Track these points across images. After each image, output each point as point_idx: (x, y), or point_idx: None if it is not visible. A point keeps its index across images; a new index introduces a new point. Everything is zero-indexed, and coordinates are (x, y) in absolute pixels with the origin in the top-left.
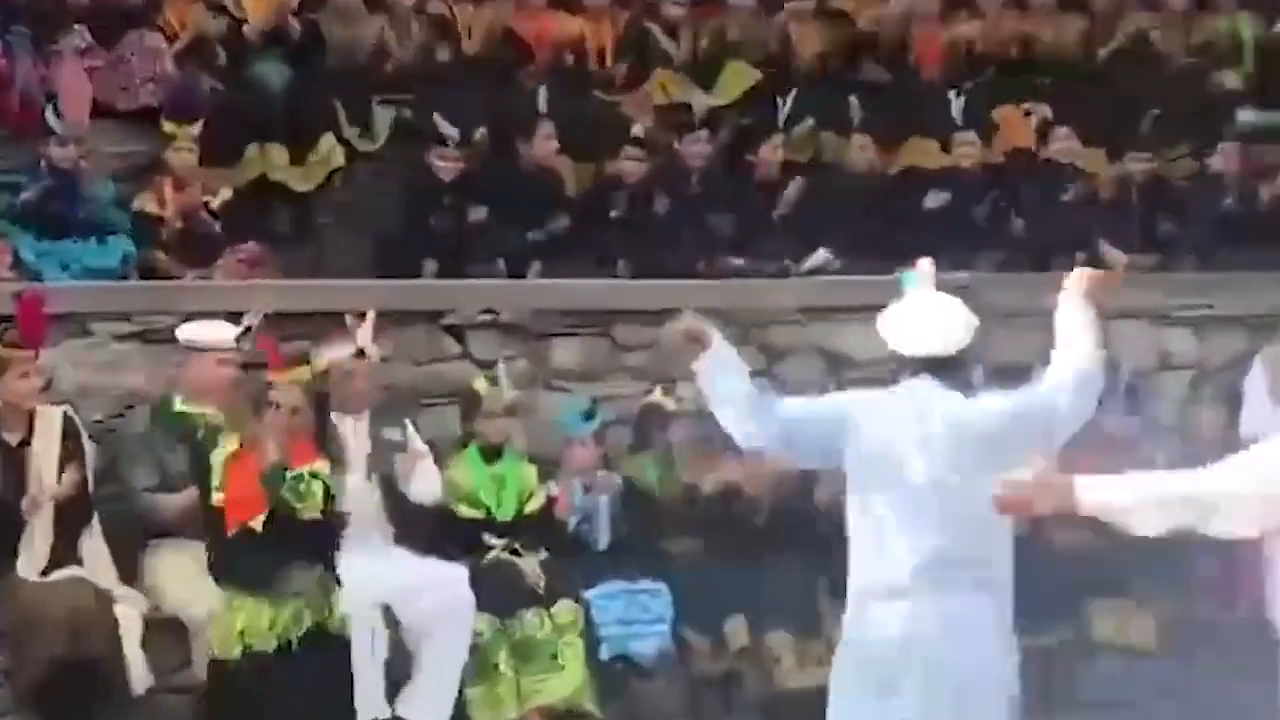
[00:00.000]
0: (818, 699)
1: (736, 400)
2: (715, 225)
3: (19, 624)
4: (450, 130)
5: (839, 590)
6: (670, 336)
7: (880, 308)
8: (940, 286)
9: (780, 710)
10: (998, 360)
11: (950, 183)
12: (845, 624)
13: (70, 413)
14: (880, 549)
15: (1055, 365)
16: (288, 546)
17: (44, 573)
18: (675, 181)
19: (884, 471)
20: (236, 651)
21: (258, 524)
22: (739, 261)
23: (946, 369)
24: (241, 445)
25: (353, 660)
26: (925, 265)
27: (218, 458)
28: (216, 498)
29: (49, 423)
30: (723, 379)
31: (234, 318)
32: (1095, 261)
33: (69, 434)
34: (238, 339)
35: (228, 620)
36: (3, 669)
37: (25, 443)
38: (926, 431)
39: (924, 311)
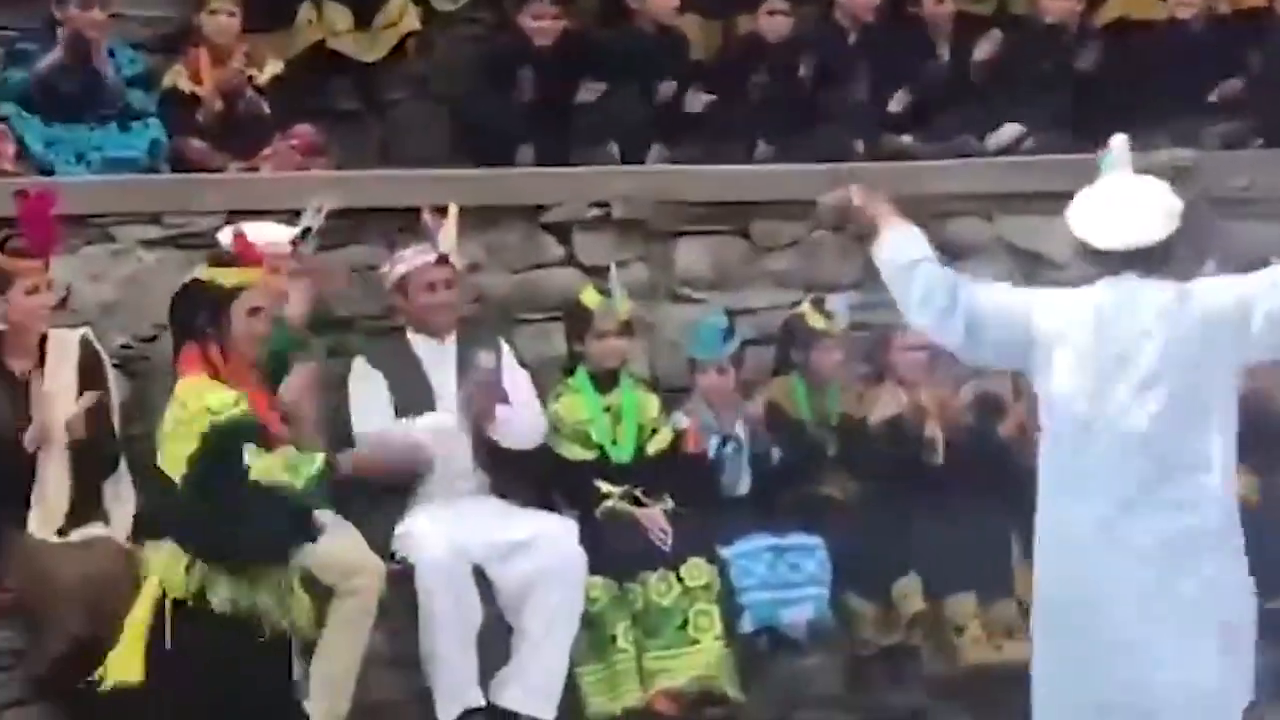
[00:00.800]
0: (1008, 676)
1: (919, 285)
2: (878, 95)
3: (32, 594)
4: None
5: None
6: (828, 209)
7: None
8: (1159, 167)
9: (963, 691)
10: (1227, 255)
11: (1168, 37)
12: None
13: (90, 336)
14: (1077, 473)
15: None
16: None
17: (61, 531)
18: (828, 41)
19: (1081, 380)
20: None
21: None
22: (908, 139)
23: (1150, 262)
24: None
25: (434, 637)
26: (1119, 144)
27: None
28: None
29: (64, 348)
30: (905, 259)
31: (288, 217)
32: None
33: (88, 362)
34: (294, 243)
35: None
36: (12, 648)
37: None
38: (1131, 332)
39: (1117, 198)
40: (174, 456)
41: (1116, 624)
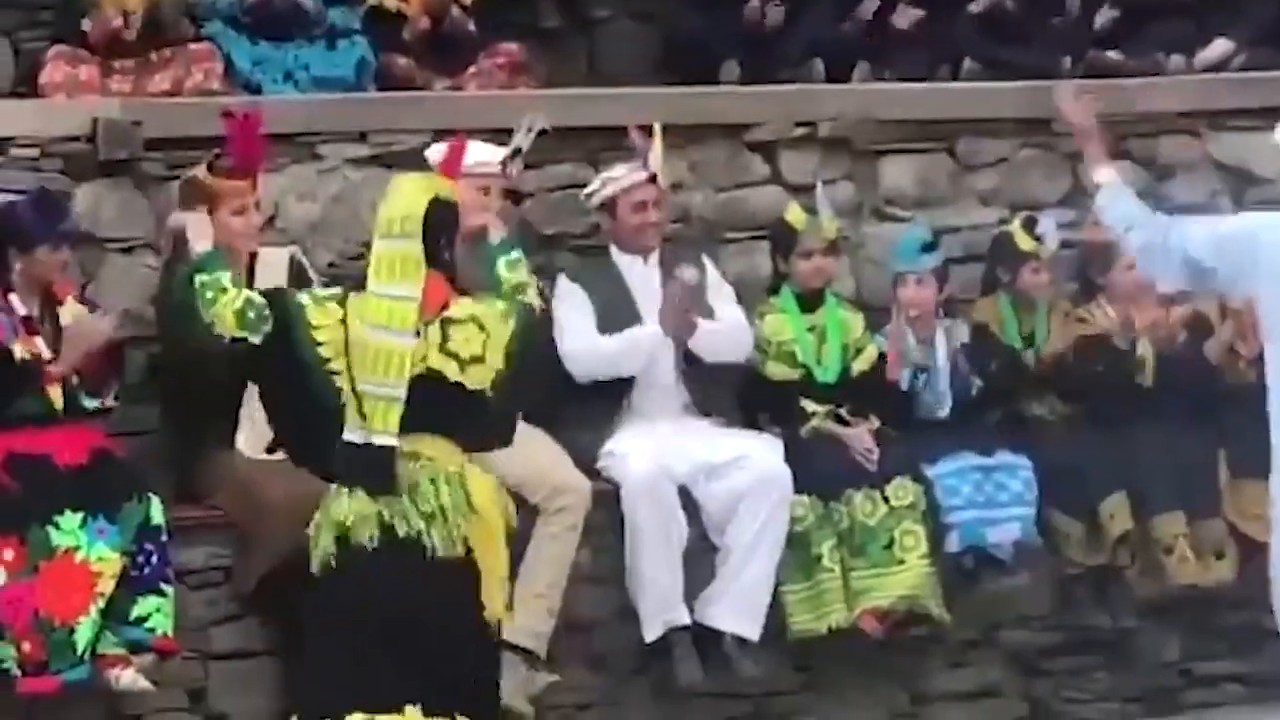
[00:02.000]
0: (1216, 596)
1: (1137, 243)
2: (1085, 11)
3: (243, 512)
4: None
5: (1242, 462)
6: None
7: None
8: None
9: (1171, 612)
10: None
11: None
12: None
13: (298, 254)
14: None
15: None
16: None
17: (270, 449)
18: None
19: None
20: None
21: None
22: (1115, 56)
23: None
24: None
25: (639, 555)
26: None
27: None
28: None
29: (273, 267)
30: (1122, 224)
31: (493, 136)
32: None
33: (297, 280)
34: (505, 162)
35: None
36: (223, 565)
37: None
38: None
39: None
40: (491, 369)
41: None
